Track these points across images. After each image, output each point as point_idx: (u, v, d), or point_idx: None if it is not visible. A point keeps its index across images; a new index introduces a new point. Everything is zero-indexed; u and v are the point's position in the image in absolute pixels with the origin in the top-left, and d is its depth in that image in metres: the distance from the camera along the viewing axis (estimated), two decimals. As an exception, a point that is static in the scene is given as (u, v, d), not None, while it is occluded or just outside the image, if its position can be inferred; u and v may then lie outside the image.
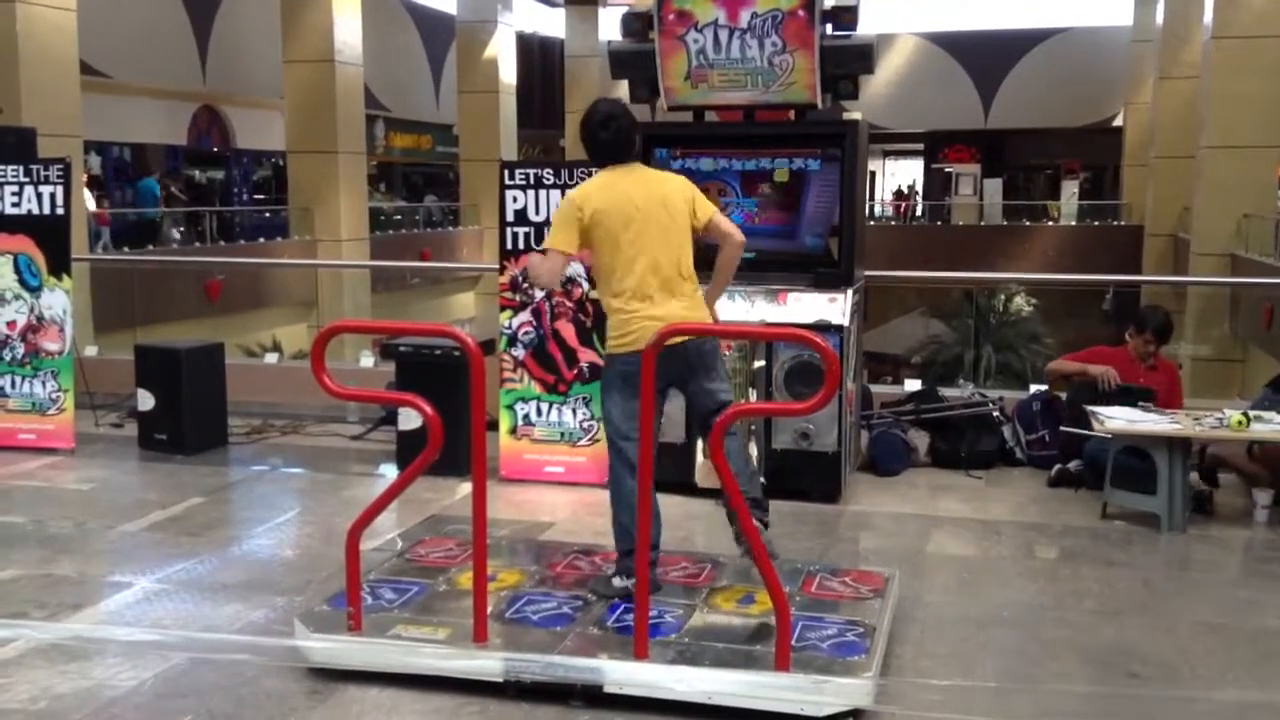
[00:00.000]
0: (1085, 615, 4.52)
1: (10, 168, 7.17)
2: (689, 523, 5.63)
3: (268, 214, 24.35)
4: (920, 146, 38.10)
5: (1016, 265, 28.03)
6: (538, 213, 6.34)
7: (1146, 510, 5.64)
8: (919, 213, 35.82)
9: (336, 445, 7.45)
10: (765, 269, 6.13)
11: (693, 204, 4.40)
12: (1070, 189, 35.17)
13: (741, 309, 5.98)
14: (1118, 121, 32.51)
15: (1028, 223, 32.20)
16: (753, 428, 5.93)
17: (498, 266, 6.52)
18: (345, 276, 20.53)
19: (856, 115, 6.26)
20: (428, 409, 3.79)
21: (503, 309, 6.48)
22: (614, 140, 4.38)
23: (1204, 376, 15.19)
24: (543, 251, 4.42)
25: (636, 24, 6.13)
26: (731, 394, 4.62)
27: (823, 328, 5.62)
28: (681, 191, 4.41)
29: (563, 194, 6.23)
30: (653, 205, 4.32)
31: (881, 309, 17.73)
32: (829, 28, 5.88)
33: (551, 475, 6.38)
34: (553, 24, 34.46)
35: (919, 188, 37.93)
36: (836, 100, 6.16)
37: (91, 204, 18.69)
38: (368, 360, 8.62)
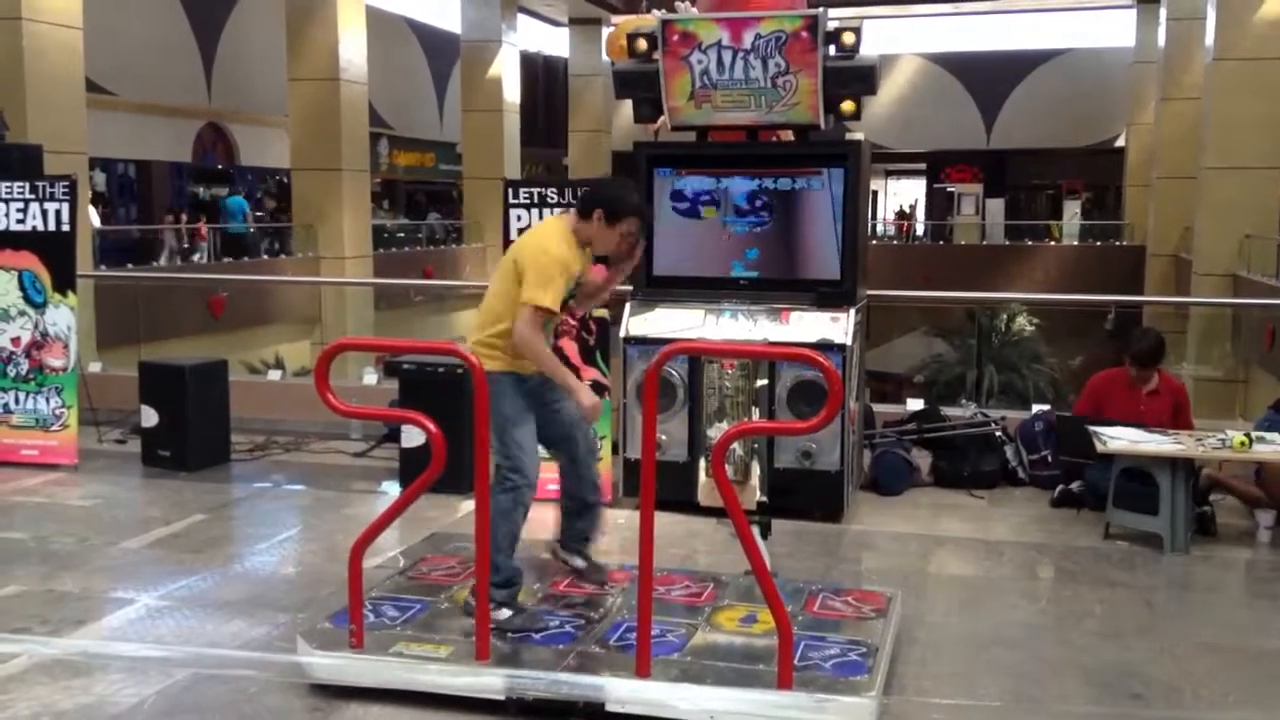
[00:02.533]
0: (1087, 636, 4.51)
1: (16, 184, 7.20)
2: (691, 541, 5.63)
3: (271, 231, 24.43)
4: (923, 166, 38.17)
5: (1018, 285, 28.03)
6: (541, 231, 6.35)
7: (1149, 531, 5.64)
8: (920, 232, 35.87)
9: (339, 462, 7.46)
10: (768, 288, 6.16)
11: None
12: (1072, 209, 35.18)
13: (744, 327, 6.00)
14: (1120, 142, 32.55)
15: (1030, 242, 32.20)
16: (755, 446, 5.94)
17: (501, 284, 6.53)
18: (348, 294, 20.53)
19: (859, 135, 6.29)
20: (431, 426, 3.80)
21: (506, 327, 6.48)
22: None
23: (1206, 397, 15.16)
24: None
25: (640, 44, 6.17)
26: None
27: (825, 347, 5.64)
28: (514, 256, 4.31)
29: (566, 213, 6.28)
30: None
31: (884, 328, 17.71)
32: (832, 49, 5.92)
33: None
34: (557, 43, 34.58)
35: (920, 207, 37.97)
36: (839, 120, 6.20)
37: (96, 220, 18.74)
38: (371, 378, 8.63)
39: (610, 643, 4.01)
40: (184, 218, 23.06)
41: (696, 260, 6.31)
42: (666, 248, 6.31)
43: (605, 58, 27.34)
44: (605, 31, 30.38)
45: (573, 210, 4.44)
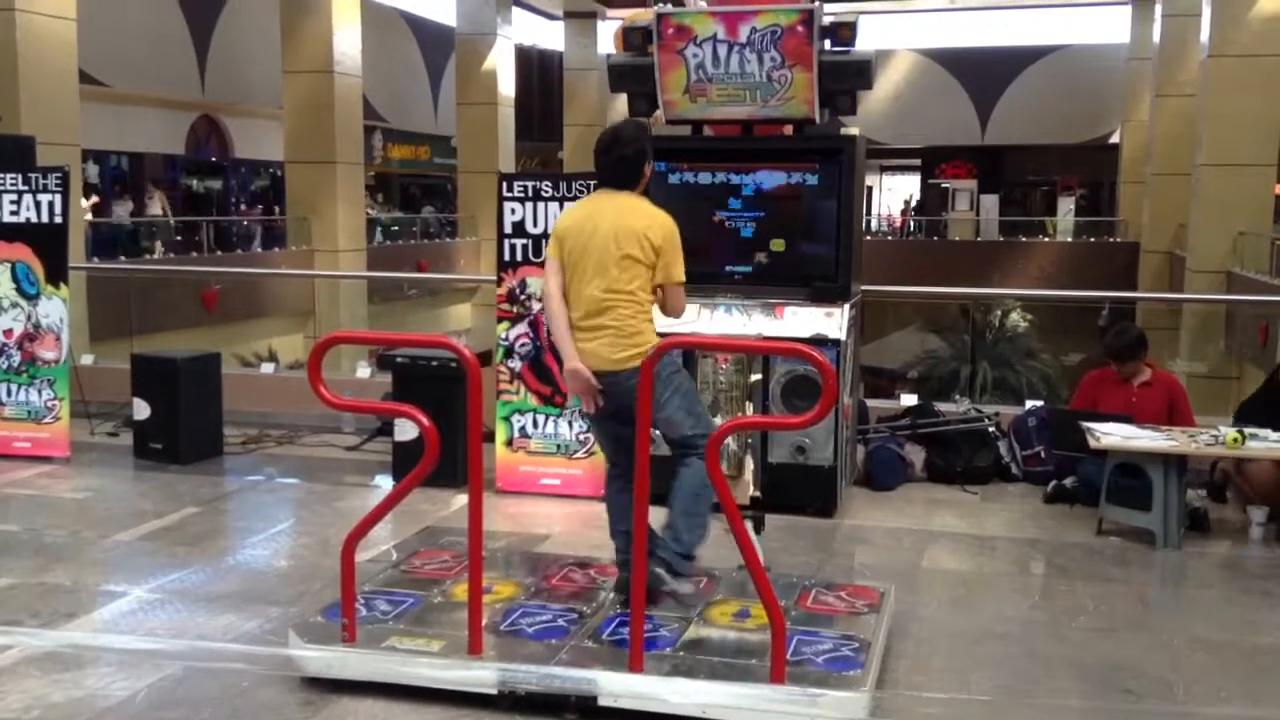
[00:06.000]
0: (1080, 631, 4.52)
1: (9, 176, 7.18)
2: (684, 536, 5.61)
3: (265, 224, 24.42)
4: (917, 162, 38.16)
5: (1013, 281, 28.04)
6: (536, 225, 6.35)
7: (1142, 526, 5.65)
8: (913, 228, 35.87)
9: (332, 456, 7.45)
10: (762, 282, 6.14)
11: (656, 253, 4.26)
12: (1067, 205, 35.22)
13: (738, 322, 5.99)
14: (1115, 138, 32.59)
15: (1024, 239, 32.23)
16: (749, 441, 5.93)
17: (495, 278, 6.53)
18: (342, 287, 20.55)
19: (854, 130, 6.27)
20: (424, 420, 3.79)
21: (500, 320, 6.48)
22: (610, 164, 4.35)
23: (1199, 393, 15.20)
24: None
25: (636, 38, 6.15)
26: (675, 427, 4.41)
27: (819, 342, 5.63)
28: (648, 234, 4.25)
29: (561, 206, 6.28)
30: (605, 236, 4.22)
31: (878, 323, 17.73)
32: (828, 43, 5.90)
33: (547, 487, 6.37)
34: (552, 37, 34.53)
35: (913, 203, 37.96)
36: (834, 115, 6.18)
37: (88, 213, 18.68)
38: (364, 371, 8.62)
39: (603, 637, 4.00)
40: (276, 209, 23.63)
41: (690, 254, 6.25)
42: (661, 242, 6.28)
43: (604, 51, 27.31)
44: (600, 25, 30.38)
45: (622, 189, 4.35)
